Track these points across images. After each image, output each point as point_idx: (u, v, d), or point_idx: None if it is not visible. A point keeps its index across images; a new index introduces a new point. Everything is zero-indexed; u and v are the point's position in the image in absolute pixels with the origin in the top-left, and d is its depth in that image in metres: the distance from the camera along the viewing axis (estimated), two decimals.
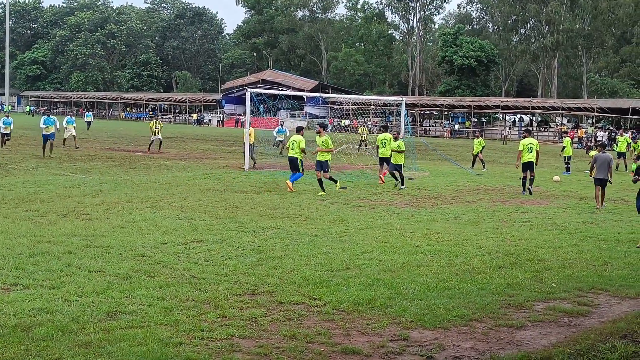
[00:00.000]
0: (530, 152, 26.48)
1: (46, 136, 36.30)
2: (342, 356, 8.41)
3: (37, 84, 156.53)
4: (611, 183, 23.68)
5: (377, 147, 29.47)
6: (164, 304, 10.14)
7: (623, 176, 34.35)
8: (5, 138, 40.76)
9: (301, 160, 25.64)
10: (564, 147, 38.03)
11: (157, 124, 43.50)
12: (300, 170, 25.62)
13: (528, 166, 26.42)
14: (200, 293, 10.79)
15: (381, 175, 28.84)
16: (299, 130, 26.33)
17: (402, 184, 27.02)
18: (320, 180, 24.72)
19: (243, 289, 11.20)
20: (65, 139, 42.84)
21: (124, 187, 23.98)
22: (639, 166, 18.05)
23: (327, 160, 25.27)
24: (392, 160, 27.64)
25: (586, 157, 39.82)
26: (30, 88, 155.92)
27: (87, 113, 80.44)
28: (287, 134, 39.82)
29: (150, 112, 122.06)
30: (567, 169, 36.99)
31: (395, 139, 28.40)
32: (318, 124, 26.62)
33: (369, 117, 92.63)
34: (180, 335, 8.86)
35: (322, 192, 24.11)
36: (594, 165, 23.28)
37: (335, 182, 25.55)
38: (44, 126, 36.59)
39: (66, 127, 43.46)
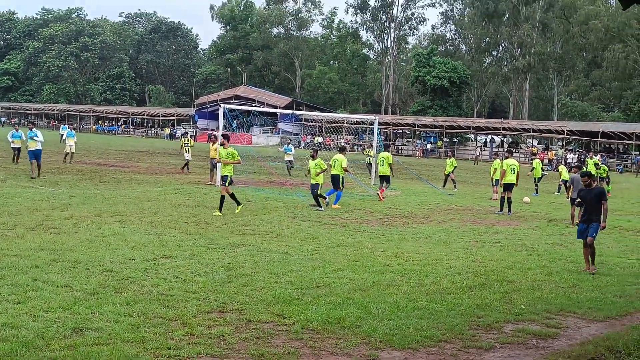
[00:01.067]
0: (513, 173, 27.08)
1: (32, 153, 31.33)
2: None
3: (9, 95, 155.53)
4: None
5: (377, 165, 30.48)
6: (131, 320, 10.03)
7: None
8: None
9: (342, 177, 26.97)
10: (533, 168, 38.29)
11: (187, 142, 40.96)
12: (341, 187, 26.91)
13: (509, 187, 26.89)
14: (168, 310, 10.68)
15: (379, 193, 29.55)
16: (342, 150, 28.06)
17: (320, 206, 25.33)
18: (316, 198, 25.25)
19: (212, 306, 11.10)
20: (66, 154, 41.31)
21: (93, 201, 23.78)
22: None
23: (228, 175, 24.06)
24: (311, 181, 26.11)
25: (556, 180, 40.09)
26: (1, 99, 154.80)
27: (62, 126, 79.87)
28: (293, 152, 39.51)
29: (166, 128, 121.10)
30: (537, 191, 37.24)
31: (313, 157, 26.72)
32: (222, 135, 25.18)
33: (342, 134, 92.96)
34: (147, 353, 8.75)
35: (218, 212, 22.24)
36: (571, 186, 24.02)
37: (238, 204, 23.43)
38: (13, 140, 35.76)
39: (65, 140, 41.91)
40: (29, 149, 31.65)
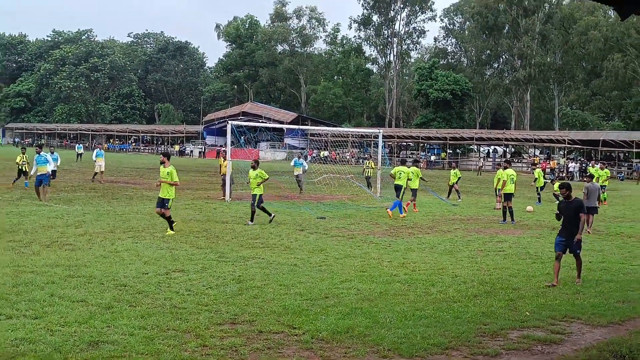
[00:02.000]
0: (512, 183, 27.35)
1: (40, 178, 29.19)
2: None
3: (22, 116, 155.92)
4: (597, 213, 25.35)
5: (394, 177, 29.83)
6: (145, 333, 10.07)
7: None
8: None
9: (404, 188, 28.82)
10: (535, 179, 38.24)
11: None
12: (400, 197, 28.40)
13: (509, 197, 27.11)
14: (181, 322, 10.73)
15: (408, 207, 29.45)
16: (403, 162, 30.37)
17: (251, 221, 24.15)
18: (262, 209, 24.19)
19: (223, 318, 11.15)
20: (95, 173, 41.28)
21: (106, 218, 23.86)
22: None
23: (260, 194, 24.36)
24: (256, 192, 24.61)
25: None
26: (15, 120, 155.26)
27: (77, 145, 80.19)
28: (306, 167, 38.54)
29: (176, 145, 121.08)
30: (539, 199, 37.23)
31: (254, 168, 25.18)
32: (162, 153, 23.08)
33: (347, 148, 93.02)
34: None
35: (170, 231, 20.58)
36: (585, 195, 23.80)
37: (269, 214, 24.21)
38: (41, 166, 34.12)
39: (95, 160, 41.03)
40: (38, 174, 29.40)
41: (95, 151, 40.50)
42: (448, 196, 38.09)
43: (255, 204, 24.37)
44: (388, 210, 28.18)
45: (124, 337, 9.84)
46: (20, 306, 11.29)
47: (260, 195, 24.44)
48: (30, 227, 20.72)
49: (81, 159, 67.79)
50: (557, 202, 36.45)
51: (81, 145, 79.90)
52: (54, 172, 36.05)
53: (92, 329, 10.20)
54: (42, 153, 29.91)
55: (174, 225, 20.89)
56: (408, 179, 29.56)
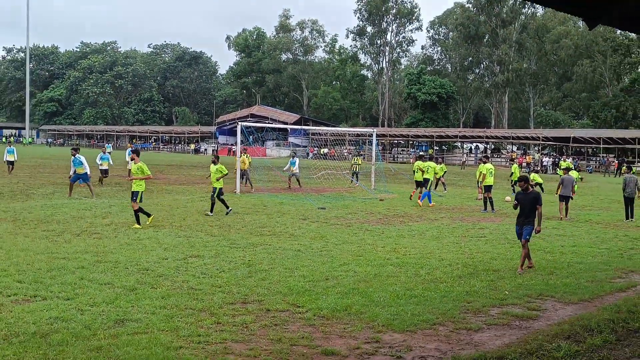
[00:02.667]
0: (491, 176, 27.55)
1: (77, 177, 28.64)
2: (322, 357, 8.39)
3: (54, 119, 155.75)
4: (572, 199, 25.99)
5: (414, 172, 30.37)
6: (165, 312, 10.09)
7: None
8: (11, 167, 39.72)
9: (431, 181, 29.79)
10: (512, 173, 38.11)
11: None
12: (428, 188, 29.44)
13: (488, 188, 27.37)
14: (197, 302, 10.74)
15: (418, 201, 29.04)
16: (431, 158, 31.22)
17: (211, 211, 23.16)
18: (136, 211, 20.18)
19: (235, 298, 11.16)
20: (100, 178, 39.85)
21: (130, 210, 23.81)
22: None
23: (220, 187, 23.12)
24: (216, 185, 23.53)
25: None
26: (48, 123, 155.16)
27: (107, 145, 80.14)
28: (296, 167, 37.37)
29: (191, 144, 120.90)
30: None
31: (214, 162, 24.41)
32: (132, 150, 22.34)
33: (344, 145, 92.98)
34: (180, 340, 8.81)
35: (137, 225, 19.41)
36: (560, 185, 25.36)
37: (148, 215, 20.26)
38: (102, 162, 34.07)
39: (100, 164, 37.71)
40: (75, 174, 28.69)
41: (99, 155, 38.02)
42: (435, 188, 37.99)
43: (215, 196, 23.36)
44: (419, 201, 28.63)
45: (146, 316, 9.85)
46: (53, 289, 11.31)
47: (220, 188, 23.37)
48: (62, 218, 20.74)
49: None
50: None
51: (110, 145, 79.82)
52: (106, 170, 35.80)
53: (118, 308, 10.22)
54: (77, 155, 28.69)
55: (149, 219, 19.99)
56: (420, 170, 29.67)
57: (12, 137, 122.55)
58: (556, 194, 26.17)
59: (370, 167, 40.17)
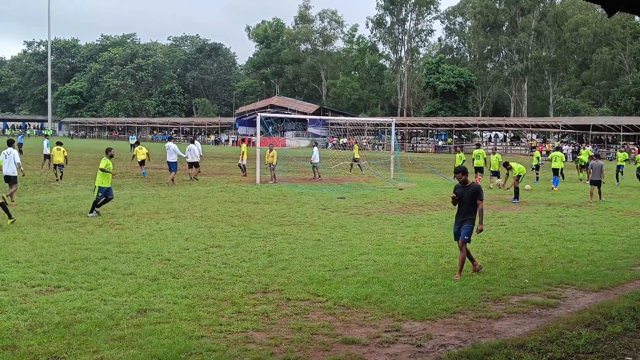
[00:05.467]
0: (478, 159, 33.77)
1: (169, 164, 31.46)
2: (342, 346, 8.40)
3: (76, 111, 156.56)
4: (604, 183, 27.33)
5: (473, 159, 34.26)
6: (187, 302, 10.14)
7: (586, 184, 34.38)
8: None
9: (561, 169, 33.55)
10: (548, 159, 38.67)
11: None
12: (559, 175, 33.15)
13: (479, 169, 33.19)
14: (218, 292, 10.79)
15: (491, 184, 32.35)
16: (558, 149, 32.32)
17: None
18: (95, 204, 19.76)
19: (256, 287, 11.19)
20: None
21: (151, 200, 23.98)
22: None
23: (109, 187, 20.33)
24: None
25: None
26: (70, 115, 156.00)
27: (131, 137, 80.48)
28: (315, 156, 36.84)
29: (211, 135, 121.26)
30: (537, 179, 37.01)
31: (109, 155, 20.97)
32: (109, 148, 21.31)
33: (363, 135, 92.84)
34: (201, 329, 8.86)
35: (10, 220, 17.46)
36: (591, 170, 27.33)
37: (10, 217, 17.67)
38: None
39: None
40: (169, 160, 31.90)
41: (134, 140, 36.68)
42: (454, 177, 37.77)
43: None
44: (554, 187, 32.21)
45: (168, 305, 9.91)
46: (77, 279, 11.40)
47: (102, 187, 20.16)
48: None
49: (134, 149, 67.68)
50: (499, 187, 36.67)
51: (134, 136, 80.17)
52: (196, 163, 34.09)
53: (141, 298, 10.29)
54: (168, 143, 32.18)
55: (98, 209, 19.48)
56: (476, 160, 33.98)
57: (46, 130, 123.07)
58: (587, 180, 28.11)
59: (389, 156, 40.06)
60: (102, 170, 20.08)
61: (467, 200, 12.65)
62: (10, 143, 23.02)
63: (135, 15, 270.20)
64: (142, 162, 36.40)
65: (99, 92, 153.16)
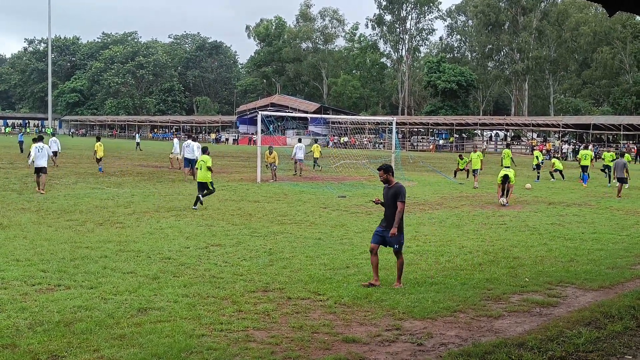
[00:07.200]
0: (505, 159, 34.93)
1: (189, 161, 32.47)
2: (343, 344, 8.40)
3: (76, 109, 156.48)
4: (630, 179, 29.88)
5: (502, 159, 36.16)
6: (188, 300, 10.14)
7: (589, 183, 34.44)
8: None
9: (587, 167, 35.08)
10: (552, 159, 39.28)
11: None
12: (587, 172, 35.03)
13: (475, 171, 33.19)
14: (219, 290, 10.79)
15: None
16: (586, 147, 35.47)
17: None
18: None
19: (257, 286, 11.19)
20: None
21: (152, 199, 23.99)
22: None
23: None
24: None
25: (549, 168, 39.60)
26: (70, 113, 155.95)
27: (137, 135, 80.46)
28: (301, 152, 37.56)
29: (212, 133, 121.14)
30: (538, 177, 37.03)
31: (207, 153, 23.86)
32: (205, 147, 23.52)
33: (364, 134, 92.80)
34: (202, 328, 8.86)
35: None
36: (615, 169, 29.52)
37: None
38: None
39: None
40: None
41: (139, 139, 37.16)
42: (454, 176, 37.83)
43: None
44: (582, 183, 34.27)
45: (169, 304, 9.91)
46: (77, 278, 11.40)
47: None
48: (85, 207, 20.88)
49: (139, 148, 67.72)
50: (553, 179, 36.64)
51: (138, 135, 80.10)
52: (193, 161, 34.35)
53: (141, 297, 10.29)
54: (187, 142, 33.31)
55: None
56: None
57: (48, 129, 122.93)
58: (613, 177, 30.25)
59: (390, 155, 40.07)
60: (209, 168, 22.21)
61: (390, 202, 11.54)
62: (40, 139, 26.34)
63: (136, 12, 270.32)
64: (99, 159, 36.59)
65: (100, 90, 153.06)
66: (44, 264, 12.38)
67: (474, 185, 31.99)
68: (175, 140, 42.47)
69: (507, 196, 24.85)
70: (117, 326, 8.81)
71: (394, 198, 11.41)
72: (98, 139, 37.23)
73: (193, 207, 21.35)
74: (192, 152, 32.49)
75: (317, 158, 42.70)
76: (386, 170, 11.68)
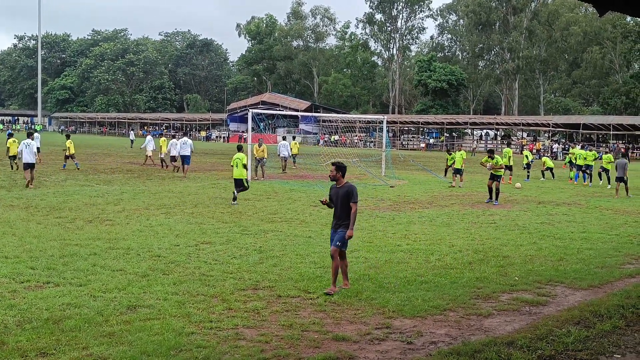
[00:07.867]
0: (505, 158, 34.07)
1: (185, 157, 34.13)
2: (333, 343, 8.39)
3: (66, 106, 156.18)
4: (627, 178, 28.77)
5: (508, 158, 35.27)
6: (177, 298, 10.12)
7: (574, 184, 34.55)
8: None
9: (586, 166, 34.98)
10: (525, 156, 38.71)
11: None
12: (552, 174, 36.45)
13: (509, 168, 33.57)
14: (209, 288, 10.77)
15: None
16: (583, 147, 34.58)
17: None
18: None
19: (246, 284, 11.17)
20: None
21: (142, 196, 23.93)
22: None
23: None
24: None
25: (540, 167, 39.68)
26: (60, 110, 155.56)
27: (131, 132, 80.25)
28: (285, 150, 38.45)
29: (202, 131, 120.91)
30: (528, 177, 37.12)
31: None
32: (240, 145, 24.22)
33: (355, 132, 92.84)
34: (191, 325, 8.84)
35: None
36: (616, 168, 29.21)
37: None
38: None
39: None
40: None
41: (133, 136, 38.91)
42: (445, 175, 37.83)
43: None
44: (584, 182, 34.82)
45: (158, 302, 9.88)
46: (66, 275, 11.35)
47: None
48: (75, 205, 20.81)
49: (132, 145, 67.57)
50: (543, 178, 36.72)
51: (132, 132, 79.88)
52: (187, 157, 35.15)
53: (130, 294, 10.25)
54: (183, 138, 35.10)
55: None
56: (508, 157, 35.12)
57: (37, 126, 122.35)
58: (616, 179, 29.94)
59: (380, 153, 40.09)
60: (244, 166, 23.19)
61: (341, 203, 11.18)
62: (29, 135, 27.68)
63: (126, 10, 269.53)
64: (72, 156, 36.98)
65: (90, 87, 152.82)
66: (33, 261, 12.32)
67: (459, 184, 31.83)
68: (149, 137, 42.74)
69: (496, 197, 25.10)
70: (106, 324, 8.77)
71: (346, 198, 11.09)
72: (68, 137, 38.06)
73: (232, 203, 22.29)
74: (188, 149, 34.12)
75: (296, 155, 44.11)
76: (339, 168, 11.34)
